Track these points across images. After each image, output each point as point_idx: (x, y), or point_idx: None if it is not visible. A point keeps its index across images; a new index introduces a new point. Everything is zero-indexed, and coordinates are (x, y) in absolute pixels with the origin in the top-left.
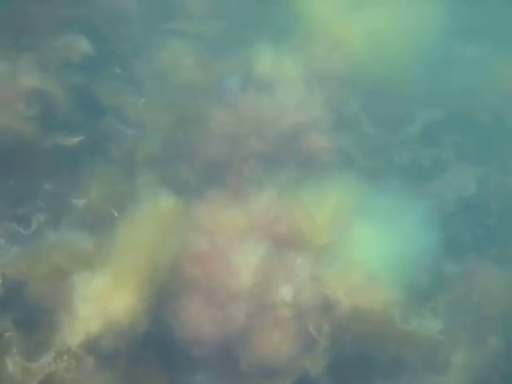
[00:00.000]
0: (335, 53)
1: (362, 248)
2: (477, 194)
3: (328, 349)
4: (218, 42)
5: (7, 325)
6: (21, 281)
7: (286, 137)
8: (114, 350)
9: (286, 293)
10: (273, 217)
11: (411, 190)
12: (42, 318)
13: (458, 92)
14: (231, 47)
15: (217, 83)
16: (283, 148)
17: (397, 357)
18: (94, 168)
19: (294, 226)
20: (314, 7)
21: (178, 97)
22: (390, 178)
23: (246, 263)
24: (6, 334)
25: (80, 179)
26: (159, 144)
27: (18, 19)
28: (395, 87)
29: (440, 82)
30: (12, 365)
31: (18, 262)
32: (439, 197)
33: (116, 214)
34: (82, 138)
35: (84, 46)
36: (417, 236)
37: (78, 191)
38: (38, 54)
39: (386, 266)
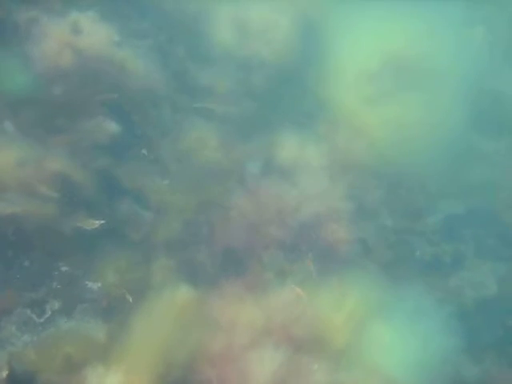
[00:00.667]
0: (358, 142)
1: (380, 352)
2: (497, 292)
3: None
4: (243, 123)
5: None
6: (30, 372)
7: (306, 225)
8: None
9: None
10: (291, 315)
11: (431, 287)
12: None
13: (479, 186)
14: (255, 129)
15: (239, 167)
16: (303, 237)
17: None
18: (112, 251)
19: (312, 326)
20: (339, 94)
21: (201, 179)
22: (410, 272)
23: (261, 367)
24: None
25: (96, 262)
26: (178, 228)
27: (49, 102)
28: (416, 179)
29: (461, 175)
30: None
31: (28, 351)
32: (459, 294)
33: (131, 300)
34: (101, 220)
35: (112, 128)
36: (435, 338)
37: (93, 274)
38: (66, 137)
39: (404, 370)
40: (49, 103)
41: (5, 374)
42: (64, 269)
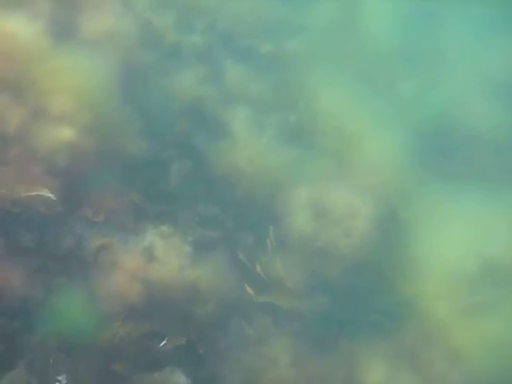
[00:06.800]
0: (452, 365)
1: None
2: None
3: None
4: (316, 325)
5: None
6: None
7: None
8: None
9: None
10: None
11: None
12: None
13: None
14: (330, 334)
15: None
16: None
17: None
18: None
19: None
20: (425, 298)
21: None
22: None
23: None
24: None
25: None
26: None
27: (111, 347)
28: None
29: None
30: None
31: None
32: None
33: None
34: None
35: (180, 379)
36: None
37: None
38: None
39: None
40: (110, 349)
41: None
42: None
